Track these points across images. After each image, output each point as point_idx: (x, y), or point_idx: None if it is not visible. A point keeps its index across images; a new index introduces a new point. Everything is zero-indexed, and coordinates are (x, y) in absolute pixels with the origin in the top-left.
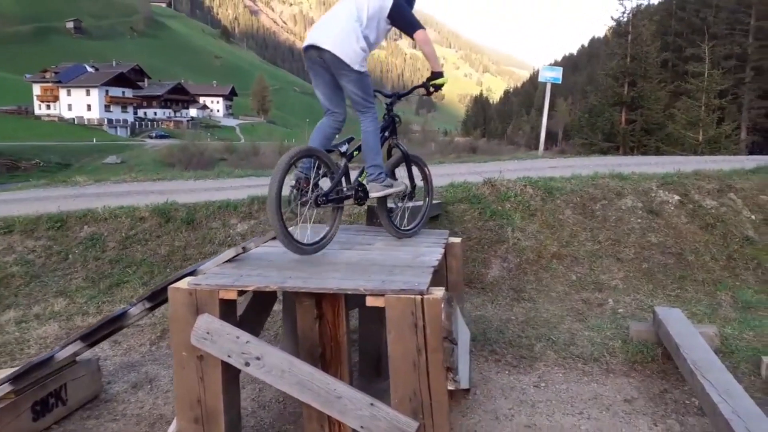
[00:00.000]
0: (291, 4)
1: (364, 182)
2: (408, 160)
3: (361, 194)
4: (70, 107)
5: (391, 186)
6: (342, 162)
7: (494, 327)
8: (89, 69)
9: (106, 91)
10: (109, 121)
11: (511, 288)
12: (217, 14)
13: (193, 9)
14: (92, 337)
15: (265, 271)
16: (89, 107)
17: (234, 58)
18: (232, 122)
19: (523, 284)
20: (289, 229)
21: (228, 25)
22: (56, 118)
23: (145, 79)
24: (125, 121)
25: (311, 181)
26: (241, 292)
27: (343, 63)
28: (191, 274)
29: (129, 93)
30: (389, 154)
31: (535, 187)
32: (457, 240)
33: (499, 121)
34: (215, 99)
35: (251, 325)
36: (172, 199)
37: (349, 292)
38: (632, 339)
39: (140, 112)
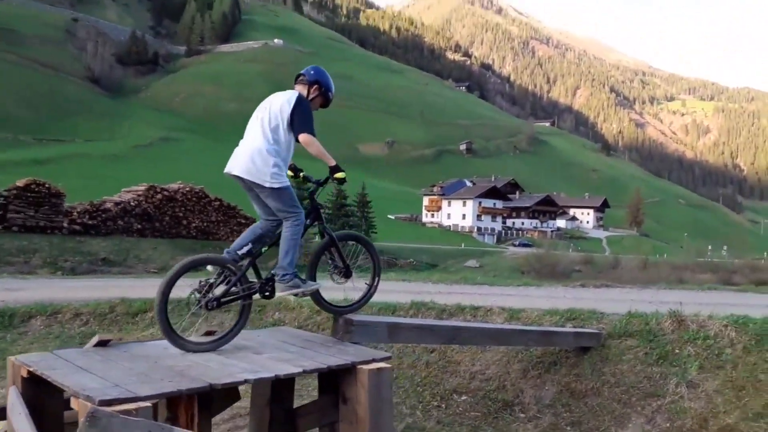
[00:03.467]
0: (683, 114)
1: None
2: (335, 243)
3: (268, 289)
4: (449, 216)
5: (298, 287)
6: (245, 262)
7: None
8: (468, 183)
9: (480, 203)
10: (479, 228)
11: None
12: (601, 129)
13: (576, 126)
14: None
15: (77, 359)
16: (464, 216)
17: (612, 170)
18: (600, 234)
19: None
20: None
21: (611, 139)
22: (437, 225)
23: (517, 192)
24: (493, 229)
25: (207, 285)
26: (29, 372)
27: (256, 184)
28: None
29: (500, 204)
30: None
31: (742, 330)
32: (369, 367)
33: None
34: (585, 211)
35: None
36: None
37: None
38: None
39: (508, 222)
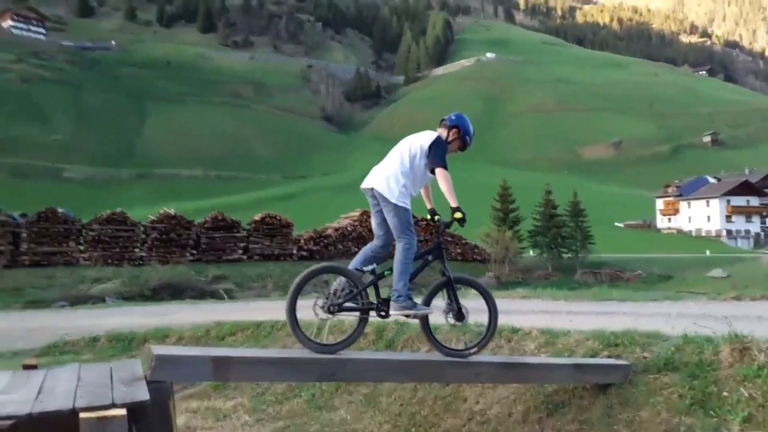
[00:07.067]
0: None
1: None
2: (451, 284)
3: (383, 309)
4: (689, 219)
5: (410, 308)
6: (368, 279)
7: None
8: (711, 180)
9: (728, 201)
10: (728, 232)
11: None
12: None
13: None
14: None
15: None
16: (708, 218)
17: None
18: None
19: None
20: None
21: None
22: (675, 231)
23: None
24: (748, 231)
25: (333, 292)
26: None
27: (384, 197)
28: None
29: (755, 201)
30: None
31: None
32: (89, 415)
33: None
34: None
35: None
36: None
37: None
38: None
39: None
